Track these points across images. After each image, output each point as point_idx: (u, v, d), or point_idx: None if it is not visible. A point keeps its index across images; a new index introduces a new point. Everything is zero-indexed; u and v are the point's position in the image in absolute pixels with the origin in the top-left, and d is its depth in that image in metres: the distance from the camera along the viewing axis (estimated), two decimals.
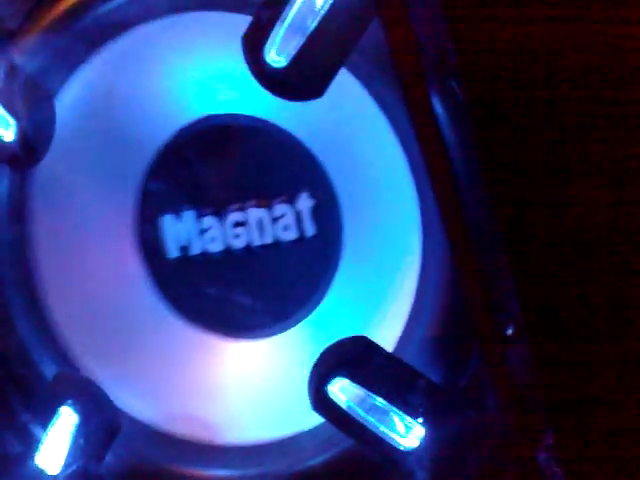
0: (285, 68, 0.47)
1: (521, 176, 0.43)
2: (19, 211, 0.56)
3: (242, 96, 0.56)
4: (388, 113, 0.51)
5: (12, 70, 0.50)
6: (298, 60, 0.46)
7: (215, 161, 0.58)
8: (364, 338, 0.50)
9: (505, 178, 0.43)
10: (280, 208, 0.56)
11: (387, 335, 0.51)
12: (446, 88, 0.46)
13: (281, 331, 0.57)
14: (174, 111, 0.57)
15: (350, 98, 0.52)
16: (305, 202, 0.56)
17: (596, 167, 0.44)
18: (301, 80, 0.47)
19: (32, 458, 0.50)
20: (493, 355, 0.43)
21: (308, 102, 0.49)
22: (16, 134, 0.51)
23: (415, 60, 0.40)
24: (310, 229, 0.56)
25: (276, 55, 0.47)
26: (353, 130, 0.53)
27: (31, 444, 0.51)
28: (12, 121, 0.51)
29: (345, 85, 0.51)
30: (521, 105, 0.42)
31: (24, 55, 0.51)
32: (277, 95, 0.48)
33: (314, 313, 0.56)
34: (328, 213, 0.55)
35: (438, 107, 0.44)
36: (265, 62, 0.46)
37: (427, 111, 0.41)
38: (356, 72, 0.51)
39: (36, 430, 0.52)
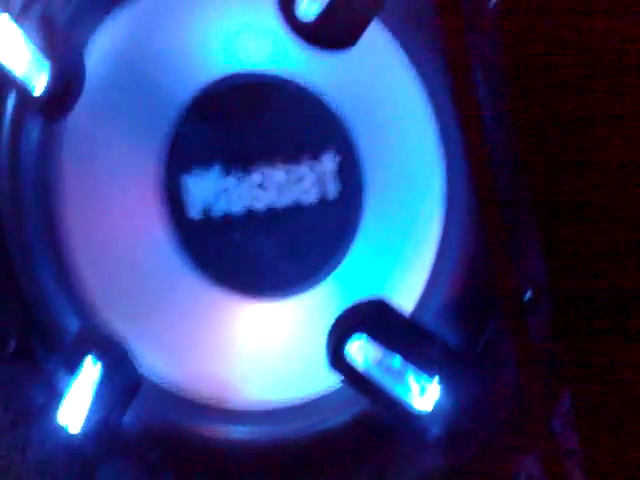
0: (318, 16, 0.46)
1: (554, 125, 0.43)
2: (47, 162, 0.57)
3: (271, 51, 0.56)
4: (419, 70, 0.50)
5: (44, 20, 0.51)
6: (331, 9, 0.46)
7: (240, 120, 0.58)
8: (382, 300, 0.50)
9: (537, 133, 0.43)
10: (303, 169, 0.56)
11: (406, 298, 0.51)
12: (482, 41, 0.45)
13: (301, 292, 0.57)
14: (202, 66, 0.57)
15: (381, 53, 0.51)
16: (328, 164, 0.56)
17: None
18: (334, 29, 0.46)
19: (55, 409, 0.51)
20: (512, 319, 0.43)
21: (337, 57, 0.49)
22: (48, 83, 0.52)
23: (457, 15, 0.40)
24: (332, 191, 0.56)
25: (309, 3, 0.47)
26: (382, 88, 0.53)
27: (54, 396, 0.52)
28: (45, 69, 0.51)
29: (376, 39, 0.51)
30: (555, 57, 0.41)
31: (56, 6, 0.51)
32: (309, 44, 0.48)
33: (334, 275, 0.56)
34: (351, 175, 0.55)
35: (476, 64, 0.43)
36: (298, 10, 0.46)
37: (466, 69, 0.40)
38: (388, 25, 0.50)
39: (59, 382, 0.53)
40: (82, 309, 0.57)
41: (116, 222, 0.59)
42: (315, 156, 0.56)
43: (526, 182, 0.43)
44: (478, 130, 0.42)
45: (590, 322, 0.44)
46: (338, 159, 0.55)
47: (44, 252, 0.57)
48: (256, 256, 0.59)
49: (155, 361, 0.56)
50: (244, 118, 0.58)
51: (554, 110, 0.40)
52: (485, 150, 0.41)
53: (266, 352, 0.57)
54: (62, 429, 0.51)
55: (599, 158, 0.41)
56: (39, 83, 0.53)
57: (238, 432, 0.54)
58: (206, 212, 0.58)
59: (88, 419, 0.50)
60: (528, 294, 0.46)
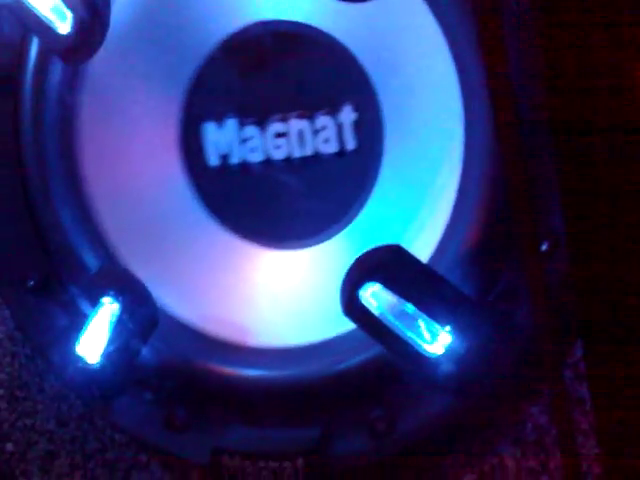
0: None
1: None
2: (69, 107, 0.58)
3: (295, 0, 0.55)
4: (442, 21, 0.50)
5: None
6: None
7: (260, 70, 0.59)
8: (398, 247, 0.50)
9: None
10: (322, 120, 0.56)
11: (423, 247, 0.52)
12: None
13: (318, 242, 0.58)
14: (224, 15, 0.57)
15: (403, 4, 0.51)
16: (348, 115, 0.56)
17: None
18: None
19: (74, 341, 0.52)
20: (530, 266, 0.44)
21: (360, 8, 0.49)
22: (72, 27, 0.52)
23: None
24: (351, 142, 0.56)
25: None
26: (403, 39, 0.53)
27: (73, 328, 0.53)
28: (69, 13, 0.52)
29: None
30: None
31: None
32: None
33: (351, 225, 0.57)
34: (370, 126, 0.55)
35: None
36: None
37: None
38: None
39: (78, 316, 0.54)
40: (102, 250, 0.58)
41: (136, 167, 0.60)
42: (336, 106, 0.56)
43: (548, 126, 0.43)
44: (505, 82, 0.42)
45: (606, 274, 0.44)
46: (359, 110, 0.55)
47: (65, 194, 0.58)
48: (274, 205, 0.59)
49: (173, 300, 0.57)
50: (265, 67, 0.58)
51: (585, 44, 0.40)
52: (509, 96, 0.41)
53: (283, 296, 0.58)
54: (81, 360, 0.52)
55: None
56: (63, 26, 0.54)
57: (253, 370, 0.54)
58: (225, 160, 0.59)
59: (106, 351, 0.51)
60: (545, 246, 0.46)
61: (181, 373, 0.56)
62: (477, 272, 0.50)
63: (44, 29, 0.54)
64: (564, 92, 0.42)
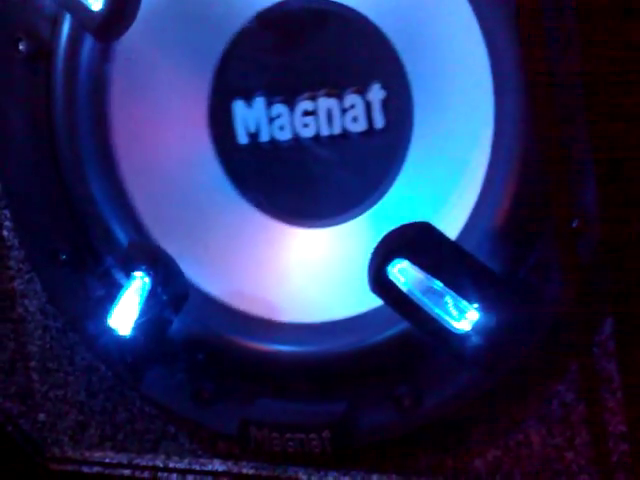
0: None
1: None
2: (101, 84, 0.58)
3: None
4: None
5: None
6: None
7: (289, 48, 0.59)
8: (426, 224, 0.50)
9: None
10: (351, 98, 0.56)
11: (451, 225, 0.52)
12: None
13: (346, 220, 0.58)
14: None
15: None
16: (376, 93, 0.56)
17: None
18: None
19: (106, 314, 0.53)
20: (561, 244, 0.44)
21: None
22: (104, 3, 0.53)
23: None
24: (380, 120, 0.56)
25: None
26: (433, 16, 0.52)
27: (105, 301, 0.54)
28: None
29: None
30: None
31: None
32: None
33: (379, 203, 0.57)
34: (399, 105, 0.55)
35: None
36: None
37: None
38: None
39: (110, 289, 0.55)
40: (132, 225, 0.59)
41: (166, 143, 0.61)
42: (365, 85, 0.56)
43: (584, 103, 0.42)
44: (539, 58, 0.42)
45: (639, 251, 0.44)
46: (387, 88, 0.55)
47: (97, 168, 0.59)
48: (302, 183, 0.59)
49: (203, 276, 0.58)
50: (295, 45, 0.59)
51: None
52: (543, 70, 0.41)
53: (310, 273, 0.58)
54: (113, 331, 0.53)
55: None
56: (96, 3, 0.54)
57: (281, 345, 0.55)
58: (253, 138, 0.59)
59: (138, 323, 0.52)
60: (576, 221, 0.46)
61: (210, 347, 0.56)
62: (506, 248, 0.50)
63: (76, 6, 0.54)
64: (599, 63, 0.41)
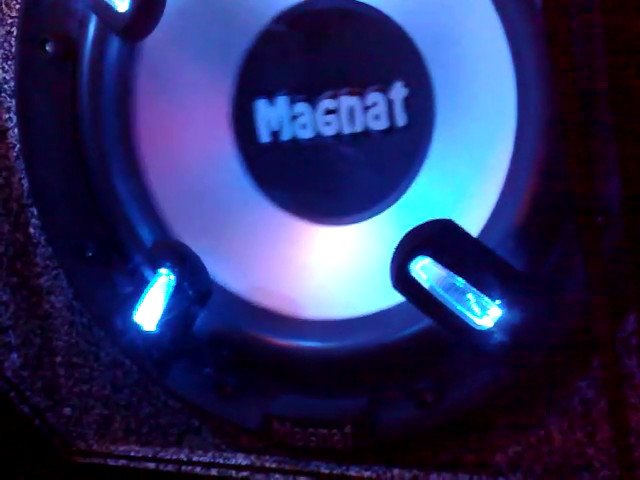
0: None
1: None
2: (126, 83, 0.59)
3: None
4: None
5: None
6: None
7: (312, 47, 0.59)
8: (449, 221, 0.50)
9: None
10: (373, 97, 0.57)
11: (473, 222, 0.52)
12: None
13: (368, 218, 0.59)
14: None
15: None
16: (398, 91, 0.57)
17: None
18: None
19: (131, 310, 0.54)
20: (584, 240, 0.44)
21: None
22: (130, 4, 0.54)
23: None
24: (402, 118, 0.57)
25: None
26: (455, 15, 0.53)
27: (131, 297, 0.55)
28: None
29: None
30: None
31: None
32: None
33: (401, 200, 0.57)
34: (421, 103, 0.56)
35: None
36: None
37: None
38: None
39: (136, 286, 0.56)
40: (156, 222, 0.60)
41: (189, 142, 0.61)
42: (387, 83, 0.56)
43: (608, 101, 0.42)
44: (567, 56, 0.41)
45: None
46: (409, 86, 0.56)
47: (122, 167, 0.60)
48: (324, 181, 0.60)
49: (226, 273, 0.59)
50: (317, 44, 0.59)
51: None
52: (568, 67, 0.41)
53: (333, 270, 0.59)
54: (138, 327, 0.54)
55: None
56: (122, 4, 0.55)
57: (303, 341, 0.56)
58: (276, 137, 0.60)
59: (163, 319, 0.53)
60: (599, 218, 0.46)
61: (234, 343, 0.57)
62: (528, 245, 0.50)
63: (103, 7, 0.55)
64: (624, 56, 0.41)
